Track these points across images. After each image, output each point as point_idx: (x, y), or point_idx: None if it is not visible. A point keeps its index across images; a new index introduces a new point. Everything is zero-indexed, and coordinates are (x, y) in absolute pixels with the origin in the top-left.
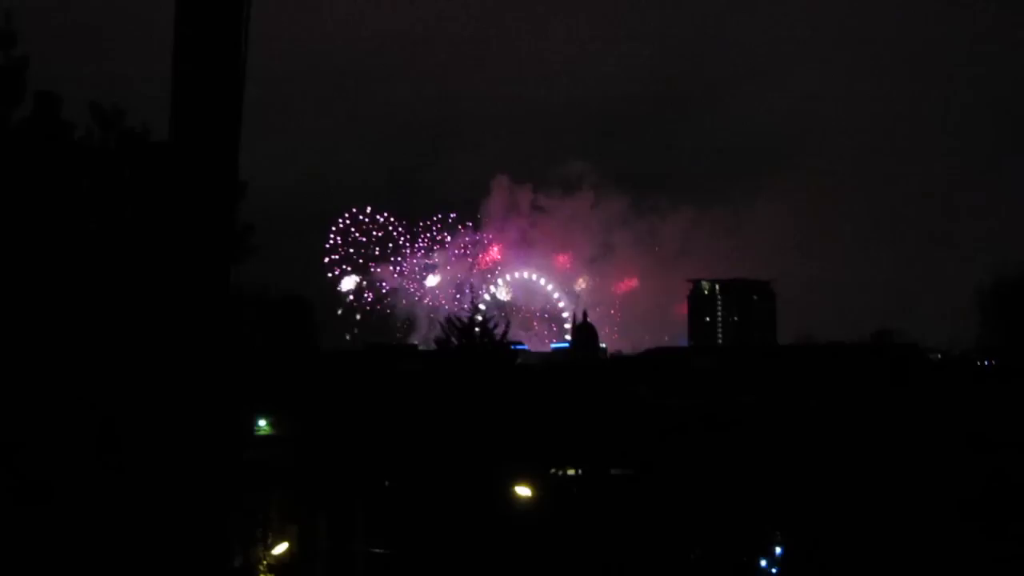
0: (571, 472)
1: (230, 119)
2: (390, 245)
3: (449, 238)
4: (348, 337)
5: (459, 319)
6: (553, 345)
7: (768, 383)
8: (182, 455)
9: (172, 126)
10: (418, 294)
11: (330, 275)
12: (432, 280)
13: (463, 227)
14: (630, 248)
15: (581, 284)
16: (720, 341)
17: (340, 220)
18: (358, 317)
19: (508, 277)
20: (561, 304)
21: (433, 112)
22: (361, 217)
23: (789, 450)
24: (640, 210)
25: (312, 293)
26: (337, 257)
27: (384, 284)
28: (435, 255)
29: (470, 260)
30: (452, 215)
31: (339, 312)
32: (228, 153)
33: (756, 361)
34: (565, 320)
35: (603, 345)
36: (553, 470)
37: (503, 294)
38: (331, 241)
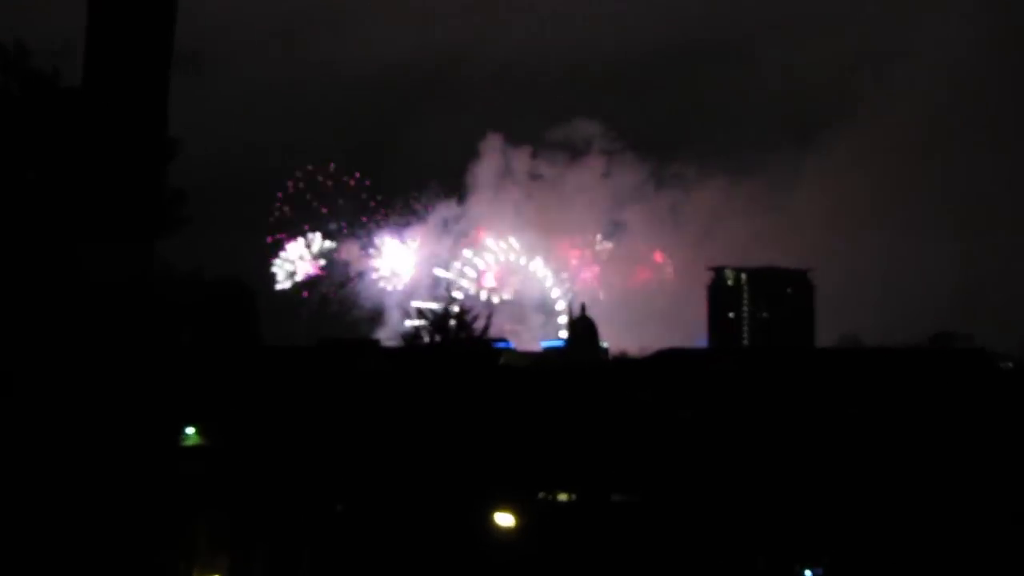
0: (563, 498)
1: (157, 62)
2: (359, 219)
3: (430, 209)
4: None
5: (431, 309)
6: (544, 343)
7: (803, 393)
8: (84, 468)
9: (86, 68)
10: (387, 279)
11: (277, 257)
12: (403, 261)
13: (445, 198)
14: (645, 227)
15: (578, 267)
16: (746, 342)
17: (291, 184)
18: (305, 297)
19: (496, 259)
20: (557, 294)
21: (414, 64)
22: (320, 178)
23: (826, 473)
24: (660, 181)
25: (256, 277)
26: (284, 234)
27: (348, 264)
28: (409, 230)
29: (452, 237)
30: (432, 186)
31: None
32: (154, 103)
33: (789, 366)
34: (561, 313)
35: (605, 344)
36: (541, 495)
37: (489, 280)
38: (278, 211)
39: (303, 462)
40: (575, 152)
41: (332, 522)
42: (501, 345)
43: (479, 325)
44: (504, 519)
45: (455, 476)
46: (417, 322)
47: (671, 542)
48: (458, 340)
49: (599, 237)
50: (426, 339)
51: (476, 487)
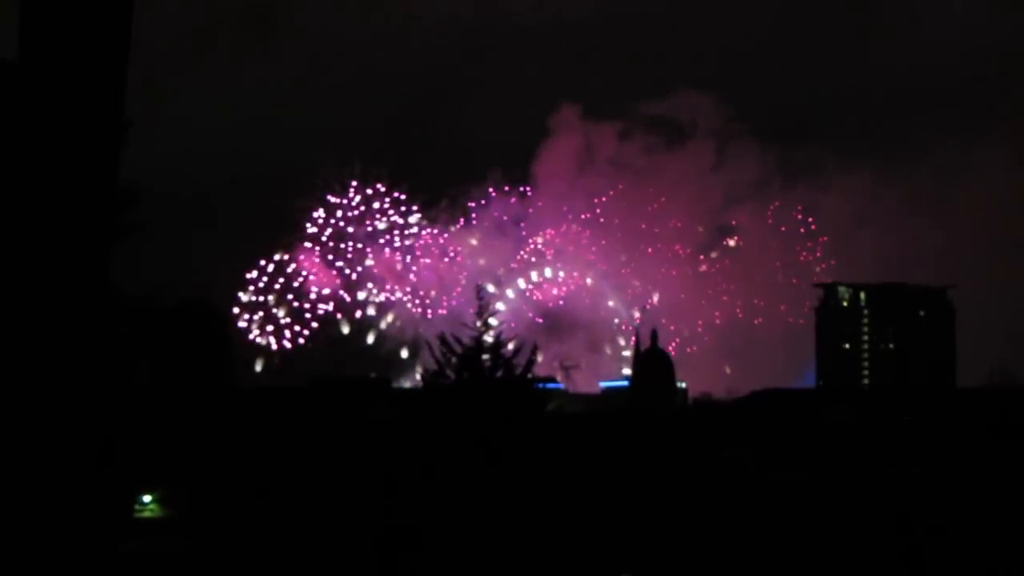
0: None
1: (112, 30)
2: (392, 229)
3: (484, 207)
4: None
5: (458, 339)
6: (604, 384)
7: (942, 448)
8: (8, 553)
9: (22, 37)
10: (423, 300)
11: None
12: (446, 277)
13: (503, 190)
14: (762, 230)
15: (667, 282)
16: (866, 381)
17: (311, 192)
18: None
19: (559, 274)
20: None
21: (466, 25)
22: (350, 183)
23: (973, 556)
24: (786, 175)
25: (229, 301)
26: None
27: (383, 288)
28: (457, 236)
29: (510, 244)
30: (492, 175)
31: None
32: (107, 80)
33: (922, 413)
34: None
35: (682, 384)
36: None
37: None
38: (308, 226)
39: (292, 539)
40: (677, 133)
41: None
42: (549, 386)
43: (520, 360)
44: None
45: (487, 557)
46: (439, 357)
47: None
48: (493, 380)
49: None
50: (452, 377)
51: (516, 569)
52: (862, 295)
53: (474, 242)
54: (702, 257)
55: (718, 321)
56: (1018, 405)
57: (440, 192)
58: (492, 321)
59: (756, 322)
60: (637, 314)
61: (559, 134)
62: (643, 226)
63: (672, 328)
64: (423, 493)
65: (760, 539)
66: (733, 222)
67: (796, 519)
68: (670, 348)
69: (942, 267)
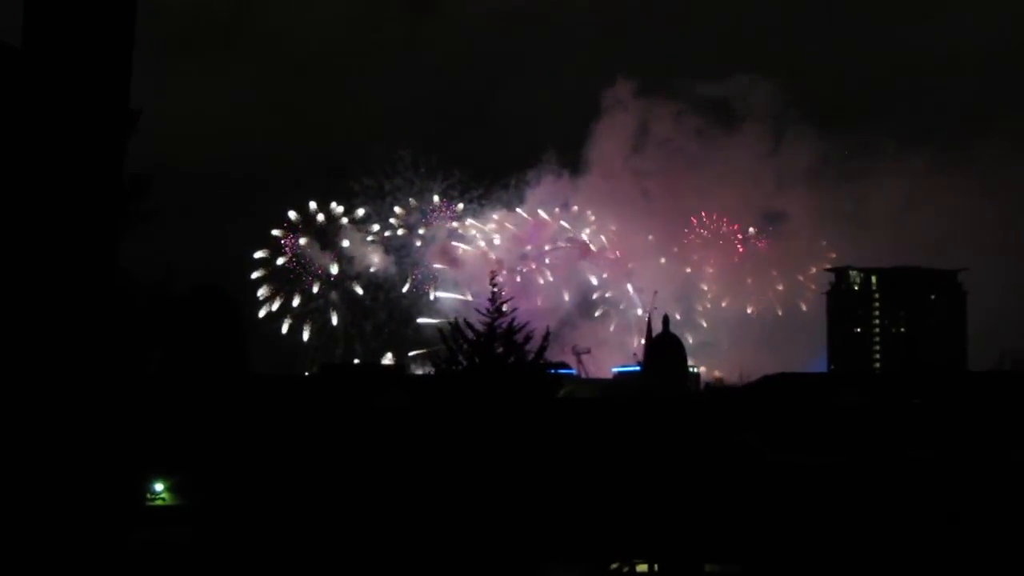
0: (642, 568)
1: (117, 16)
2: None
3: (533, 188)
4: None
5: (470, 326)
6: (616, 369)
7: (954, 431)
8: (28, 535)
9: (27, 23)
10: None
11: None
12: (484, 258)
13: (556, 172)
14: (816, 215)
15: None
16: (877, 365)
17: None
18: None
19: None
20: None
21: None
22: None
23: (987, 532)
24: (842, 161)
25: (245, 287)
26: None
27: (425, 272)
28: (501, 216)
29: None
30: (546, 156)
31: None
32: (112, 67)
33: (935, 396)
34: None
35: (695, 369)
36: (615, 565)
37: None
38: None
39: (305, 525)
40: (732, 116)
41: None
42: (562, 372)
43: (531, 346)
44: None
45: (502, 542)
46: (451, 343)
47: None
48: (505, 365)
49: (751, 231)
50: (464, 364)
51: (531, 556)
52: (873, 279)
53: (511, 227)
54: (739, 242)
55: (750, 310)
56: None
57: (492, 177)
58: (506, 308)
59: (776, 308)
60: (639, 311)
61: (612, 113)
62: (690, 213)
63: (702, 308)
64: (438, 481)
65: (770, 516)
66: (781, 208)
67: (808, 502)
68: (686, 333)
69: (954, 251)
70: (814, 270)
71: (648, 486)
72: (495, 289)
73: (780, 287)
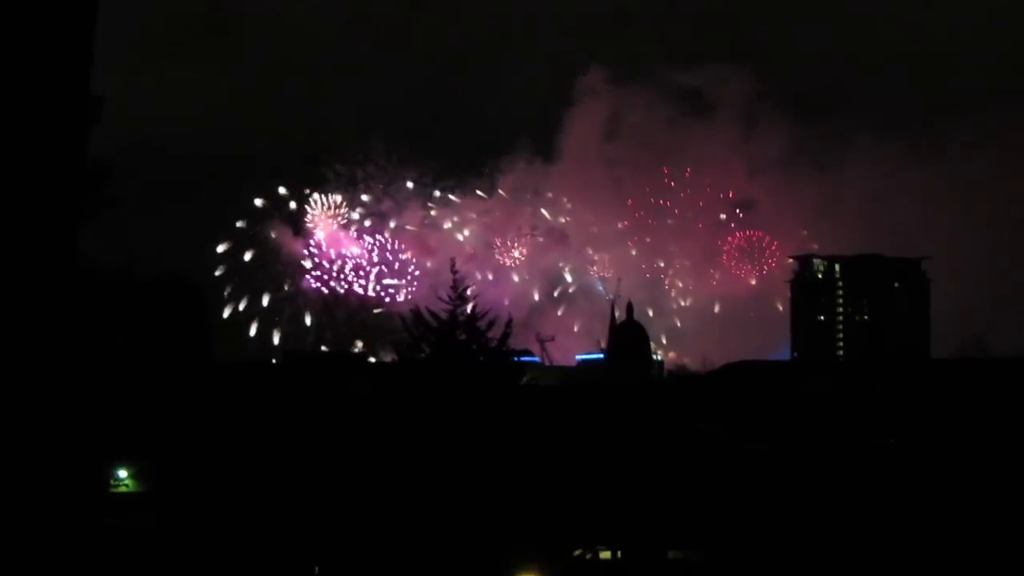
0: (605, 555)
1: (77, 4)
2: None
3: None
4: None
5: (433, 314)
6: (580, 356)
7: (916, 418)
8: None
9: None
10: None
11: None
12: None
13: (527, 161)
14: (778, 205)
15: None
16: (840, 353)
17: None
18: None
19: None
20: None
21: None
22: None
23: (942, 528)
24: (815, 151)
25: (205, 274)
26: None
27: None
28: (469, 205)
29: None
30: (519, 145)
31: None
32: (74, 52)
33: (897, 384)
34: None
35: (657, 356)
36: (578, 552)
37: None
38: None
39: (269, 513)
40: (705, 106)
41: None
42: (525, 359)
43: (494, 334)
44: None
45: (466, 529)
46: (413, 331)
47: None
48: (468, 352)
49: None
50: (427, 352)
51: (494, 543)
52: (837, 267)
53: (474, 215)
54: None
55: (717, 299)
56: (988, 373)
57: (465, 165)
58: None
59: (743, 296)
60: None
61: (583, 98)
62: (661, 200)
63: (671, 296)
64: (399, 468)
65: (732, 504)
66: (754, 194)
67: (771, 489)
68: (653, 321)
69: (917, 239)
70: (789, 260)
71: (611, 473)
72: (456, 275)
73: (748, 276)
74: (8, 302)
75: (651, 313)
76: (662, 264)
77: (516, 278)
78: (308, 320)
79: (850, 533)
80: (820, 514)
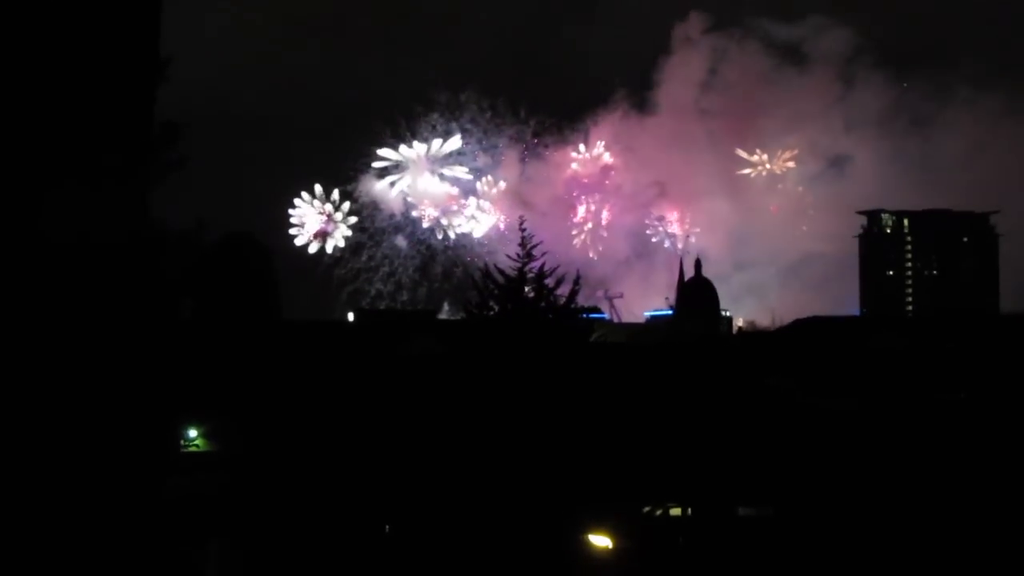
0: (675, 512)
1: None
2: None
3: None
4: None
5: (501, 271)
6: (648, 313)
7: (987, 373)
8: (62, 482)
9: None
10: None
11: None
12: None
13: (623, 110)
14: (876, 162)
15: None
16: (910, 308)
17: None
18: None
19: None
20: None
21: None
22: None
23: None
24: (913, 104)
25: (272, 233)
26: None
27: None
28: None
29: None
30: (616, 94)
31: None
32: (142, 14)
33: (968, 339)
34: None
35: (727, 312)
36: (647, 509)
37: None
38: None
39: (338, 472)
40: (804, 59)
41: (378, 549)
42: (593, 316)
43: (563, 291)
44: (600, 540)
45: (535, 487)
46: (481, 289)
47: (812, 568)
48: (536, 310)
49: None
50: (495, 309)
51: (563, 501)
52: (905, 222)
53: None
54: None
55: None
56: None
57: (560, 117)
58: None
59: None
60: (679, 250)
61: (680, 49)
62: (746, 153)
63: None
64: (468, 427)
65: (804, 460)
66: (850, 149)
67: (840, 445)
68: (733, 276)
69: (986, 192)
70: (857, 214)
71: (681, 430)
72: (524, 232)
73: (833, 231)
74: (81, 265)
75: (728, 268)
76: (746, 219)
77: (609, 233)
78: (403, 277)
79: (920, 489)
80: (891, 470)
